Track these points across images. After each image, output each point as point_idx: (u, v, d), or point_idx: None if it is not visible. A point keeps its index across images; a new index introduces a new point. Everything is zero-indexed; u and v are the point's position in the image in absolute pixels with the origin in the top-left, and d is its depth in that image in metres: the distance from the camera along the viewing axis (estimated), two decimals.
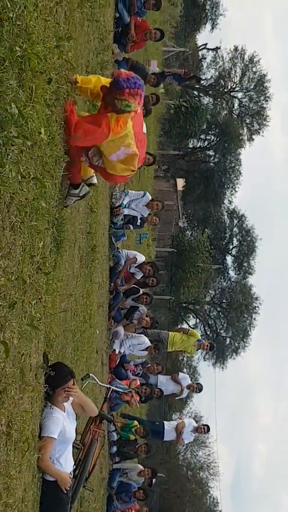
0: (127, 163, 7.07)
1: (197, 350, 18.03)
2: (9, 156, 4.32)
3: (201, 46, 62.98)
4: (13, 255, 4.68)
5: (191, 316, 62.60)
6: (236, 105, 58.67)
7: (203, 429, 17.23)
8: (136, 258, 14.90)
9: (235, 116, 57.94)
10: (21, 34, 4.41)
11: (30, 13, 4.65)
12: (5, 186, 4.22)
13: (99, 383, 9.67)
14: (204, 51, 62.50)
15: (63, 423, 6.41)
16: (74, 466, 7.54)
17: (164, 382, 16.86)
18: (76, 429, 7.12)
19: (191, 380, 18.91)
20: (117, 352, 14.92)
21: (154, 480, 16.00)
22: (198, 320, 62.23)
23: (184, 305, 58.65)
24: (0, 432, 4.53)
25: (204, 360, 60.33)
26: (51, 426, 6.25)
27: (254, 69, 57.74)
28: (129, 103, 6.45)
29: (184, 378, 17.59)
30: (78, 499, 8.95)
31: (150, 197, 15.05)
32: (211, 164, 57.88)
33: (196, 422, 18.92)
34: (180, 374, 17.73)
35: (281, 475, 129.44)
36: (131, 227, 15.33)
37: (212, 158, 58.31)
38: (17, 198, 4.57)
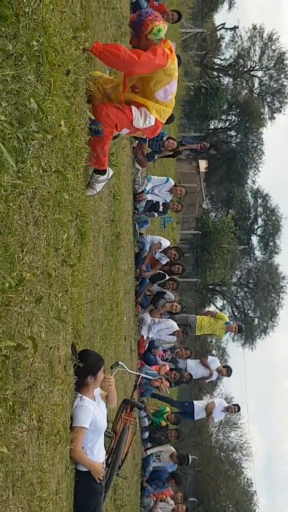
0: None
1: (225, 332, 18.02)
2: (30, 151, 4.31)
3: (219, 26, 62.42)
4: (38, 249, 4.67)
5: (218, 298, 62.62)
6: (256, 84, 58.19)
7: (233, 409, 17.22)
8: (161, 243, 14.87)
9: (256, 95, 57.48)
10: (37, 28, 4.38)
11: (46, 6, 4.61)
12: (27, 182, 4.21)
13: (129, 370, 9.68)
14: (222, 31, 61.92)
15: (94, 413, 6.41)
16: (107, 455, 7.58)
17: (193, 367, 16.88)
18: (107, 417, 7.14)
19: (220, 362, 18.90)
20: (145, 338, 14.94)
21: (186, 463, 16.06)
22: (225, 302, 62.24)
23: (210, 287, 58.65)
24: (31, 427, 4.53)
25: (233, 341, 60.34)
26: (82, 416, 6.26)
27: (273, 47, 57.23)
28: (157, 27, 6.62)
29: (213, 361, 17.58)
30: (112, 487, 9.00)
31: (173, 183, 15.01)
32: (233, 144, 57.61)
33: (227, 402, 18.94)
34: (209, 357, 17.73)
35: None
36: (155, 214, 15.30)
37: (234, 138, 58.04)
38: (39, 193, 4.56)
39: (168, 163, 30.60)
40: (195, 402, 17.11)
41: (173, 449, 15.62)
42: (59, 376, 5.44)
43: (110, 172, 7.44)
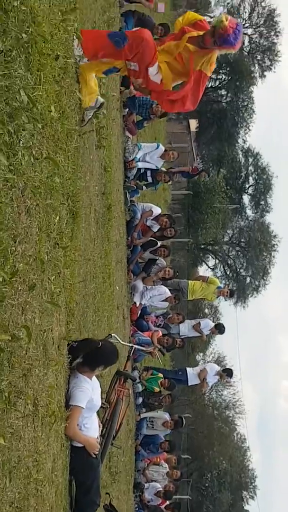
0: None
1: (217, 297, 18.15)
2: (21, 142, 4.34)
3: None
4: (30, 237, 4.72)
5: (210, 257, 62.82)
6: (246, 42, 57.76)
7: (225, 375, 17.29)
8: (152, 211, 14.91)
9: (246, 53, 57.08)
10: (26, 19, 4.39)
11: None
12: (19, 175, 4.25)
13: (122, 342, 9.77)
14: None
15: (90, 392, 6.53)
16: (101, 426, 7.72)
17: (185, 332, 17.01)
18: (101, 394, 7.26)
19: (213, 321, 18.99)
20: (137, 304, 15.04)
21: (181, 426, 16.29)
22: (217, 261, 62.44)
23: (202, 246, 58.77)
24: (27, 413, 4.63)
25: (225, 300, 60.56)
26: (79, 395, 6.37)
27: (263, 4, 56.85)
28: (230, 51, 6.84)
29: (206, 325, 17.68)
30: (107, 455, 9.16)
31: (163, 148, 15.01)
32: (223, 103, 57.32)
33: (219, 365, 19.13)
34: (202, 322, 17.76)
35: None
36: (144, 188, 15.35)
37: (224, 97, 57.71)
38: (31, 183, 4.60)
39: (158, 124, 30.51)
40: (188, 369, 17.23)
41: (166, 417, 15.81)
42: (53, 358, 5.53)
43: (99, 100, 7.42)
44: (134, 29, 7.20)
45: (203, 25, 6.97)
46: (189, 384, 17.12)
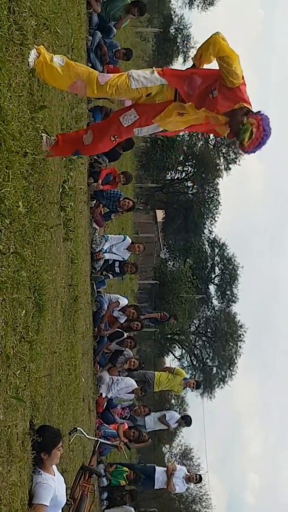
0: None
1: (183, 388, 18.04)
2: None
3: None
4: None
5: (177, 347, 62.56)
6: (211, 136, 58.90)
7: (194, 478, 16.79)
8: (119, 302, 14.95)
9: (211, 146, 58.17)
10: None
11: (4, 95, 4.73)
12: None
13: (87, 436, 9.65)
14: None
15: (54, 489, 6.40)
16: None
17: (151, 425, 16.81)
18: (66, 489, 7.12)
19: (179, 412, 18.78)
20: (103, 396, 14.91)
21: None
22: (183, 351, 62.19)
23: (169, 336, 58.57)
24: None
25: (192, 391, 60.12)
26: (42, 494, 6.23)
27: None
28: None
29: (172, 417, 17.50)
30: None
31: (130, 240, 15.15)
32: (190, 195, 58.10)
33: (186, 457, 18.82)
34: (167, 414, 17.54)
35: (273, 503, 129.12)
36: (110, 276, 15.43)
37: (190, 189, 58.51)
38: None
39: (126, 214, 30.79)
40: (156, 466, 16.83)
41: (132, 511, 15.45)
42: (16, 455, 5.45)
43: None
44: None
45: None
46: (156, 483, 16.45)
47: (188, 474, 16.62)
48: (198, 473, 18.17)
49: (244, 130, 6.36)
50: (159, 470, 16.24)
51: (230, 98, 6.43)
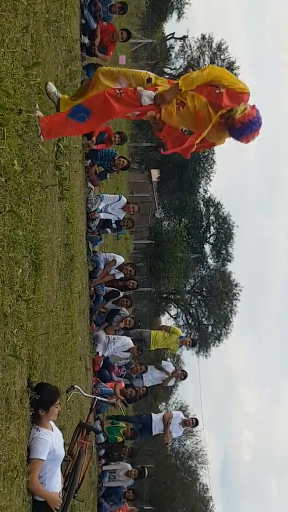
0: None
1: (179, 347, 18.11)
2: None
3: (168, 35, 62.75)
4: None
5: (172, 306, 62.81)
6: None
7: (191, 422, 17.12)
8: (116, 260, 14.96)
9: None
10: None
11: None
12: None
13: (84, 394, 9.71)
14: (172, 40, 62.19)
15: (51, 444, 6.47)
16: (64, 479, 7.63)
17: (148, 373, 16.85)
18: (64, 445, 7.19)
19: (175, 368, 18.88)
20: (100, 355, 14.98)
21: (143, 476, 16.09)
22: (179, 310, 62.43)
23: (164, 295, 58.82)
24: None
25: (188, 350, 60.45)
26: (39, 448, 6.31)
27: (222, 57, 57.62)
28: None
29: (167, 365, 17.66)
30: (69, 509, 9.02)
31: (125, 200, 15.10)
32: None
33: (184, 415, 18.94)
34: (163, 362, 17.79)
35: (268, 459, 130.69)
36: (108, 230, 15.41)
37: None
38: None
39: (120, 174, 30.67)
40: (153, 414, 17.07)
41: (129, 467, 15.61)
42: (15, 412, 5.49)
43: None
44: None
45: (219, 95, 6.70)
46: (153, 432, 16.82)
47: (185, 418, 16.91)
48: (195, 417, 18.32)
49: (237, 108, 6.52)
50: (156, 419, 16.45)
51: (235, 99, 6.65)
